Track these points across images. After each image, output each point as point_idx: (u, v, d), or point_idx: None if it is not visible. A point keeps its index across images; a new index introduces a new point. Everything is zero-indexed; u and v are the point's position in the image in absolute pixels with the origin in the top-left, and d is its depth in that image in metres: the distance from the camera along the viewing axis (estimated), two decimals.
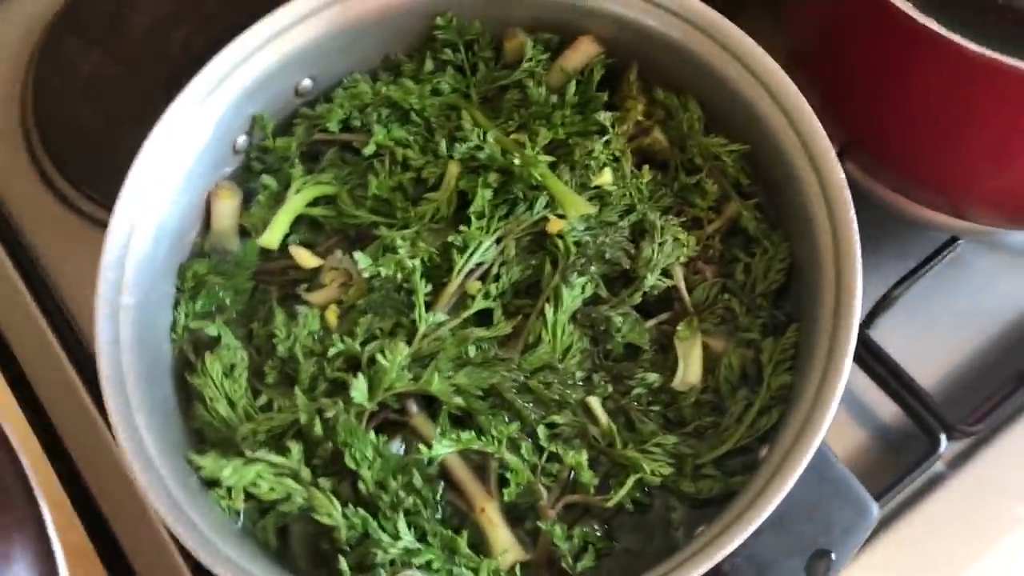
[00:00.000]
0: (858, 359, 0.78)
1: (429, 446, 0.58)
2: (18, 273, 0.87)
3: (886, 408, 0.82)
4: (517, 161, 0.62)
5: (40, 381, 0.83)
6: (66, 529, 0.80)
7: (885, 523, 0.76)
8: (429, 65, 0.70)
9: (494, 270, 0.62)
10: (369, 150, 0.66)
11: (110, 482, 0.77)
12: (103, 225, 0.88)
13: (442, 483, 0.59)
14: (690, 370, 0.60)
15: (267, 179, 0.67)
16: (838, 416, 0.79)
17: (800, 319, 0.62)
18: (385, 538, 0.55)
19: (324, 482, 0.58)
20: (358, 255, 0.62)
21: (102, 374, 0.55)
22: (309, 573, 0.58)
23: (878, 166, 0.82)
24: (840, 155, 0.82)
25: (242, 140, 0.68)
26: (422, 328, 0.60)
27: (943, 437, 0.78)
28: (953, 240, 0.85)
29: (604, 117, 0.64)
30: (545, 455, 0.58)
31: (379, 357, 0.57)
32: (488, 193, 0.62)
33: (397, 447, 0.60)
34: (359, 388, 0.57)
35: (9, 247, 0.88)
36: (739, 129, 0.65)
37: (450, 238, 0.61)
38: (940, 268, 0.86)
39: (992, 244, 0.89)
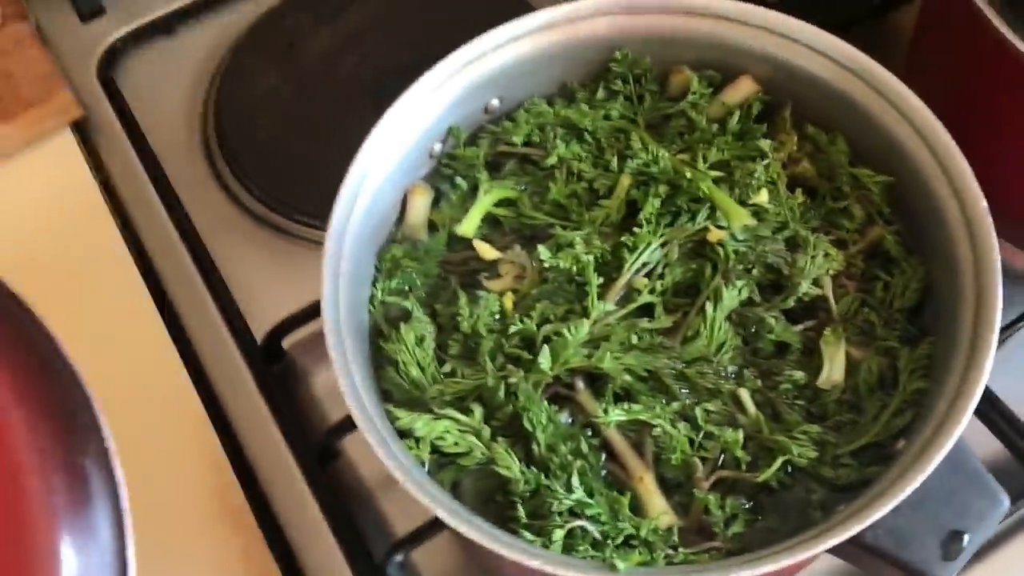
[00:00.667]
0: None
1: (593, 420, 0.65)
2: (198, 271, 0.97)
3: (983, 448, 0.87)
4: (688, 175, 0.70)
5: (212, 366, 0.92)
6: (226, 489, 0.89)
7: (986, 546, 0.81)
8: (601, 93, 0.79)
9: (658, 270, 0.70)
10: (551, 160, 0.75)
11: (270, 465, 0.86)
12: (273, 227, 0.99)
13: (604, 454, 0.66)
14: (835, 370, 0.67)
15: (460, 181, 0.76)
16: None
17: (933, 334, 0.68)
18: (560, 490, 0.62)
19: (501, 441, 0.65)
20: (540, 247, 0.70)
21: (326, 326, 0.64)
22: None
23: (996, 212, 0.88)
24: None
25: (437, 147, 0.77)
26: (594, 314, 0.68)
27: None
28: None
29: (765, 144, 0.72)
30: (701, 433, 0.65)
31: (564, 331, 0.65)
32: (657, 202, 0.71)
33: (565, 419, 0.67)
34: (545, 355, 0.64)
35: (191, 249, 0.97)
36: (883, 162, 0.72)
37: (623, 238, 0.70)
38: None
39: None
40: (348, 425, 0.81)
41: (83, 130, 1.08)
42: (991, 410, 0.86)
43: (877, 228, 0.72)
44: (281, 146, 1.06)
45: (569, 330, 0.65)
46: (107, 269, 0.98)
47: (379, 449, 0.60)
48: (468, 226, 0.73)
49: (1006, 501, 0.60)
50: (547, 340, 0.67)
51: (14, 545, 0.48)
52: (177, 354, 0.94)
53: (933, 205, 0.68)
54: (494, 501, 0.66)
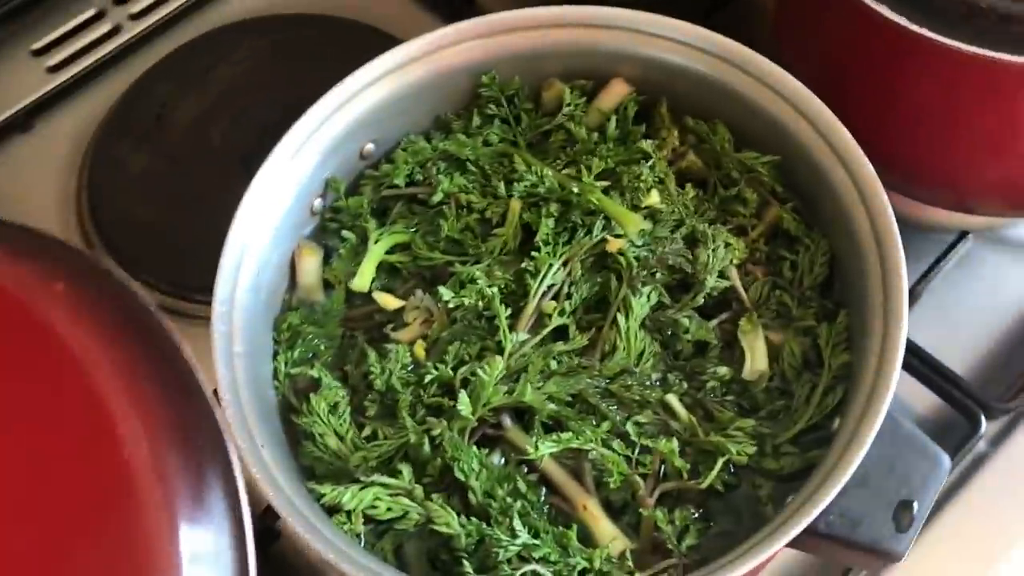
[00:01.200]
0: None
1: (526, 455, 0.63)
2: None
3: (919, 400, 0.88)
4: (576, 190, 0.68)
5: None
6: None
7: (936, 506, 0.81)
8: (477, 120, 0.77)
9: (565, 290, 0.68)
10: (437, 197, 0.72)
11: None
12: (169, 311, 0.94)
13: (543, 488, 0.64)
14: (757, 360, 0.66)
15: (347, 234, 0.73)
16: None
17: (847, 304, 0.68)
18: (504, 537, 0.59)
19: (436, 498, 0.63)
20: (441, 289, 0.68)
21: (227, 412, 0.60)
22: None
23: (884, 170, 0.89)
24: None
25: (318, 203, 0.74)
26: (508, 347, 0.65)
27: (983, 417, 0.83)
28: (963, 235, 0.92)
29: (647, 144, 0.71)
30: (637, 449, 0.63)
31: (479, 372, 0.62)
32: (551, 222, 0.69)
33: (497, 460, 0.65)
34: (464, 401, 0.62)
35: None
36: (768, 143, 0.72)
37: (523, 264, 0.68)
38: (951, 268, 0.93)
39: (996, 241, 0.96)
40: None
41: None
42: (920, 363, 0.86)
43: (773, 209, 0.71)
44: (163, 226, 1.01)
45: (483, 370, 0.63)
46: None
47: (305, 534, 0.56)
48: (362, 280, 0.70)
49: (946, 461, 0.60)
50: (466, 383, 0.65)
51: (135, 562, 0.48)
52: None
53: (822, 177, 0.68)
54: (440, 559, 0.63)
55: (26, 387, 0.52)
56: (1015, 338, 0.91)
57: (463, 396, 0.62)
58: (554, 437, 0.62)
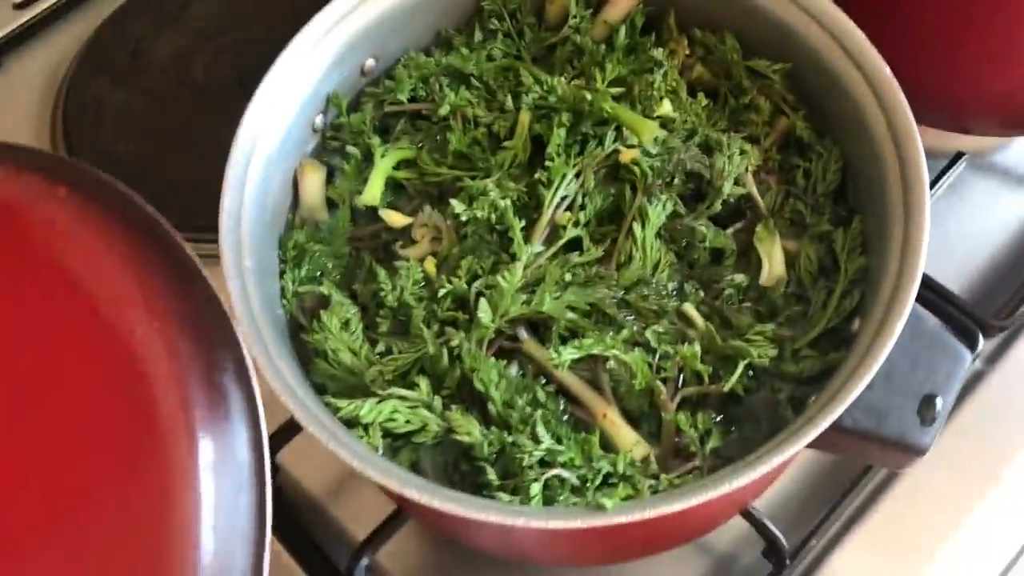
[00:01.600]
0: None
1: (543, 368, 0.62)
2: None
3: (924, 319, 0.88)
4: (588, 98, 0.67)
5: None
6: None
7: None
8: (479, 35, 0.75)
9: (579, 201, 0.67)
10: (443, 111, 0.71)
11: None
12: None
13: (562, 399, 0.63)
14: (775, 265, 0.65)
15: (351, 150, 0.71)
16: None
17: (861, 211, 0.67)
18: (528, 443, 0.58)
19: (455, 409, 0.61)
20: (453, 202, 0.66)
21: (241, 328, 0.58)
22: None
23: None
24: None
25: (319, 120, 0.72)
26: (523, 259, 0.64)
27: (980, 335, 0.83)
28: (958, 156, 0.92)
29: (658, 53, 0.70)
30: (657, 355, 0.62)
31: (499, 279, 0.61)
32: (563, 132, 0.67)
33: (515, 372, 0.64)
34: (485, 309, 0.61)
35: None
36: (777, 51, 0.71)
37: (536, 175, 0.66)
38: (942, 193, 0.93)
39: (985, 167, 0.97)
40: (284, 433, 0.76)
41: None
42: (921, 286, 0.86)
43: (785, 118, 0.70)
44: (145, 162, 0.98)
45: (503, 277, 0.61)
46: None
47: (330, 442, 0.55)
48: (370, 195, 0.68)
49: (968, 355, 0.60)
50: (480, 295, 0.63)
51: (153, 466, 0.47)
52: None
53: (836, 81, 0.67)
54: (459, 472, 0.62)
55: (36, 287, 0.51)
56: (1007, 257, 0.92)
57: (484, 304, 0.61)
58: (575, 343, 0.61)
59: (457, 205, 0.66)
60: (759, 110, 0.70)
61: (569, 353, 0.61)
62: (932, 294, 0.86)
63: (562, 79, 0.69)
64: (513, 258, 0.65)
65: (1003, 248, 0.94)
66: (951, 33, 0.77)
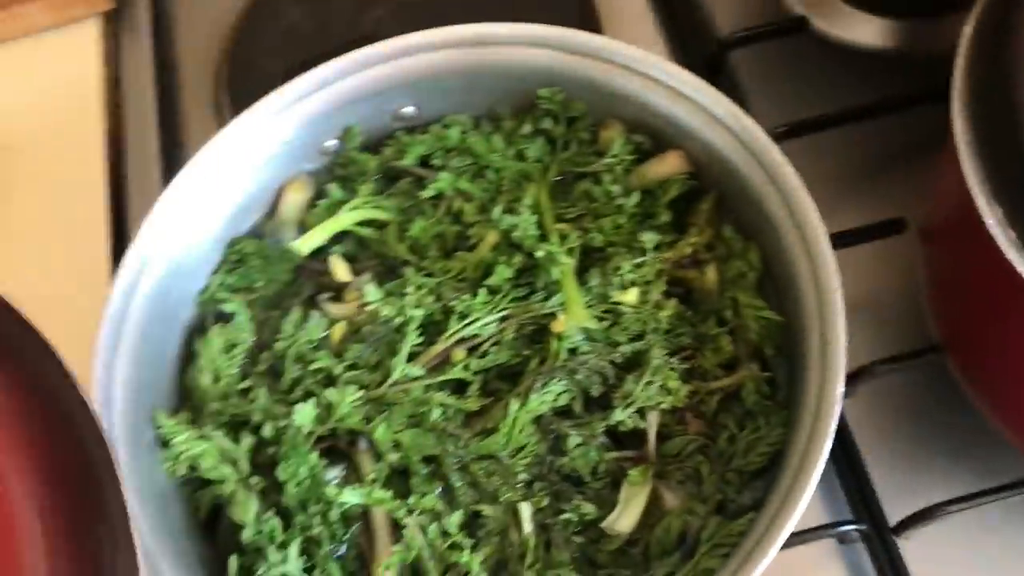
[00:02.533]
0: (876, 562, 0.73)
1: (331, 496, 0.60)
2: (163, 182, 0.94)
3: None
4: (539, 253, 0.62)
5: None
6: None
7: None
8: (527, 128, 0.70)
9: (486, 346, 0.63)
10: (428, 193, 0.68)
11: None
12: None
13: (359, 524, 0.61)
14: (625, 516, 0.58)
15: (333, 188, 0.70)
16: None
17: (759, 509, 0.58)
18: (274, 557, 0.57)
19: (259, 481, 0.61)
20: (369, 287, 0.64)
21: (106, 312, 0.61)
22: (217, 556, 0.62)
23: (972, 381, 0.75)
24: (938, 349, 0.76)
25: (332, 143, 0.72)
26: (395, 375, 0.62)
27: None
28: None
29: (648, 238, 0.63)
30: (449, 543, 0.58)
31: (327, 393, 0.59)
32: (508, 272, 0.63)
33: (335, 475, 0.62)
34: (304, 414, 0.59)
35: (168, 165, 0.94)
36: (784, 298, 0.61)
37: (453, 303, 0.63)
38: (1015, 506, 0.78)
39: None
40: None
41: (114, 25, 1.08)
42: None
43: (743, 371, 0.61)
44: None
45: (333, 393, 0.59)
46: (78, 170, 0.99)
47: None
48: (305, 242, 0.68)
49: None
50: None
51: None
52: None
53: (803, 361, 0.58)
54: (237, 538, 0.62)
55: None
56: None
57: (308, 406, 0.60)
58: (367, 489, 0.58)
59: (372, 292, 0.64)
60: (719, 351, 0.61)
61: (352, 496, 0.58)
62: None
63: (542, 218, 0.64)
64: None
65: None
66: None
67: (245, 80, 1.02)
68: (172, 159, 0.96)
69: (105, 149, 1.00)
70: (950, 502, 0.74)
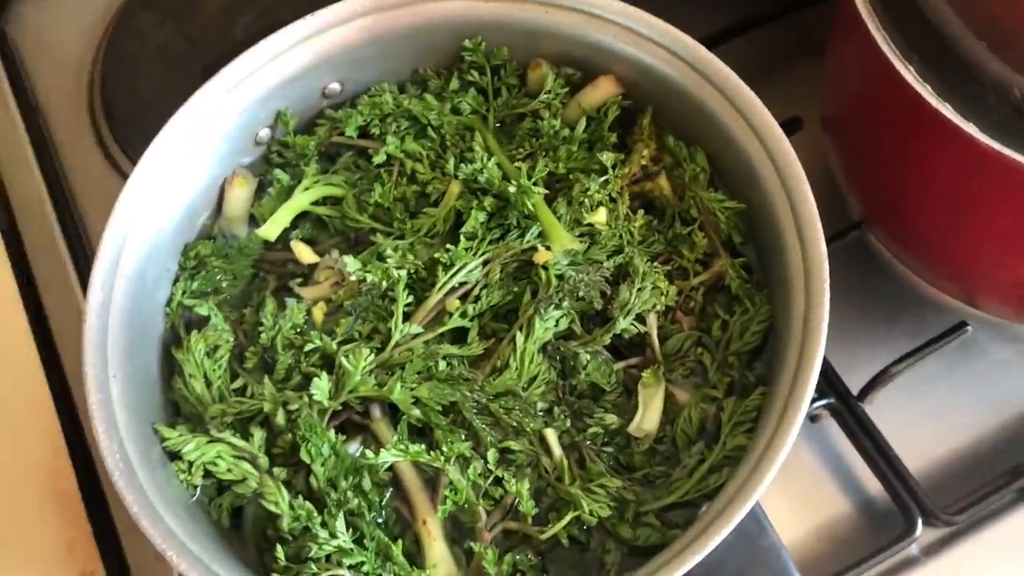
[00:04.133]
0: (848, 430, 0.78)
1: (379, 453, 0.60)
2: (63, 236, 0.90)
3: (873, 483, 0.81)
4: (512, 189, 0.63)
5: (62, 337, 0.86)
6: (59, 475, 0.85)
7: None
8: (455, 84, 0.72)
9: (476, 291, 0.64)
10: (379, 159, 0.68)
11: None
12: None
13: (391, 489, 0.61)
14: (648, 417, 0.61)
15: (280, 173, 0.69)
16: (823, 480, 0.80)
17: (769, 383, 0.62)
18: (322, 534, 0.57)
19: (280, 471, 0.60)
20: (347, 258, 0.64)
21: (85, 336, 0.58)
22: (256, 556, 0.60)
23: (894, 242, 0.81)
24: (860, 225, 0.82)
25: (264, 133, 0.71)
26: (396, 336, 0.62)
27: (920, 522, 0.77)
28: (962, 325, 0.83)
29: (606, 158, 0.65)
30: (491, 479, 0.59)
31: (343, 360, 0.59)
32: (482, 216, 0.64)
33: (355, 448, 0.62)
34: (320, 387, 0.59)
35: (60, 211, 0.91)
36: (740, 187, 0.65)
37: (437, 255, 0.63)
38: (950, 352, 0.85)
39: (1009, 335, 0.87)
40: None
41: None
42: (873, 447, 0.79)
43: (721, 260, 0.65)
44: (166, 107, 0.99)
45: (348, 359, 0.59)
46: None
47: (117, 478, 0.55)
48: (272, 227, 0.67)
49: None
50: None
51: None
52: (27, 321, 0.89)
53: (779, 238, 0.61)
54: (268, 534, 0.61)
55: None
56: (988, 448, 0.83)
57: (321, 380, 0.59)
58: (402, 446, 0.58)
59: (351, 263, 0.64)
60: (695, 246, 0.64)
61: (391, 455, 0.58)
62: (884, 462, 0.79)
63: (502, 159, 0.66)
64: (390, 332, 0.62)
65: (990, 432, 0.85)
66: (956, 214, 0.69)
67: (122, 107, 0.99)
68: (60, 202, 0.93)
69: None
70: (897, 362, 0.80)
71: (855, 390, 0.79)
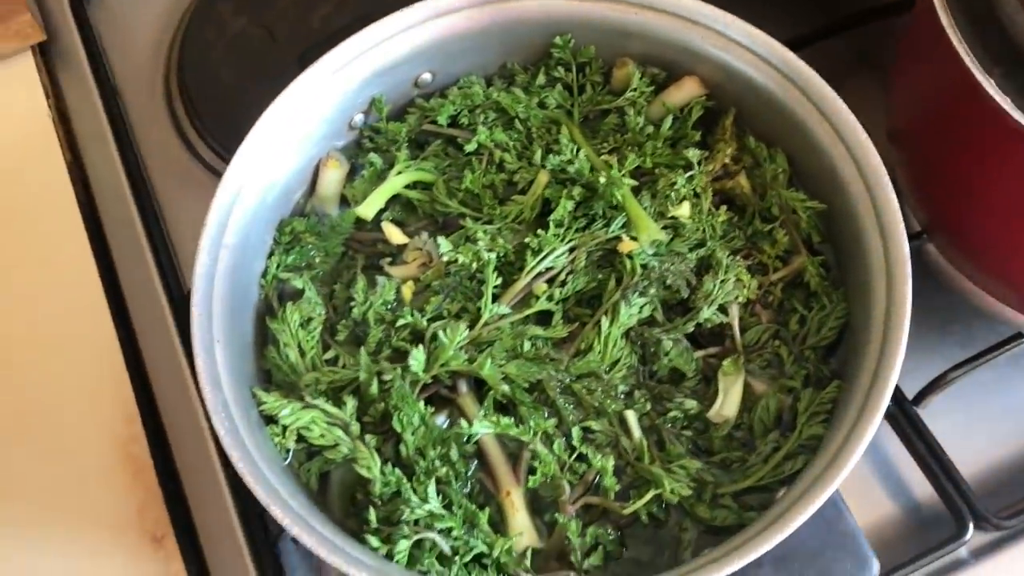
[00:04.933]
0: (902, 434, 0.80)
1: (471, 424, 0.62)
2: (139, 215, 0.93)
3: (924, 486, 0.83)
4: (602, 179, 0.66)
5: (137, 311, 0.89)
6: (132, 441, 0.87)
7: None
8: (541, 79, 0.74)
9: (562, 276, 0.66)
10: (470, 147, 0.71)
11: (180, 413, 0.83)
12: (219, 175, 0.95)
13: (476, 462, 0.63)
14: (728, 404, 0.63)
15: (374, 157, 0.72)
16: (873, 482, 0.82)
17: (844, 377, 0.64)
18: (414, 499, 0.59)
19: (370, 439, 0.63)
20: (441, 240, 0.67)
21: (194, 300, 0.61)
22: (340, 519, 0.63)
23: (956, 252, 0.83)
24: (922, 234, 0.84)
25: (358, 118, 0.73)
26: (485, 316, 0.64)
27: (971, 525, 0.78)
28: (1018, 335, 0.85)
29: (692, 154, 0.68)
30: (575, 455, 0.62)
31: (440, 334, 0.62)
32: (570, 204, 0.67)
33: (442, 420, 0.64)
34: (417, 358, 0.61)
35: (136, 191, 0.93)
36: (821, 189, 0.67)
37: (527, 240, 0.66)
38: (1004, 362, 0.87)
39: None
40: None
41: (47, 56, 1.05)
42: (925, 450, 0.81)
43: (800, 257, 0.67)
44: (242, 94, 1.02)
45: (445, 333, 0.62)
46: (47, 200, 0.96)
47: (224, 436, 0.57)
48: (368, 208, 0.70)
49: (875, 568, 0.56)
50: (435, 338, 0.64)
51: None
52: (103, 295, 0.92)
53: (860, 240, 0.64)
54: (356, 498, 0.63)
55: None
56: None
57: (418, 352, 0.62)
58: (493, 419, 0.61)
59: (444, 244, 0.67)
60: (775, 242, 0.67)
61: (482, 427, 0.61)
62: (936, 464, 0.81)
63: (589, 150, 0.68)
64: (479, 311, 0.65)
65: None
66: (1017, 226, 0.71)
67: (199, 92, 1.02)
68: (136, 181, 0.95)
69: (71, 182, 0.98)
70: (954, 368, 0.82)
71: (910, 395, 0.81)
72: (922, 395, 0.82)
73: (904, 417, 0.81)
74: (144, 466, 0.85)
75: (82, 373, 0.89)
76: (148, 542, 0.82)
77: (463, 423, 0.61)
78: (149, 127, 1.02)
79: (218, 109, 1.01)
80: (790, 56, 0.66)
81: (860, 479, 0.81)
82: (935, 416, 0.82)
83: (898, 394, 0.81)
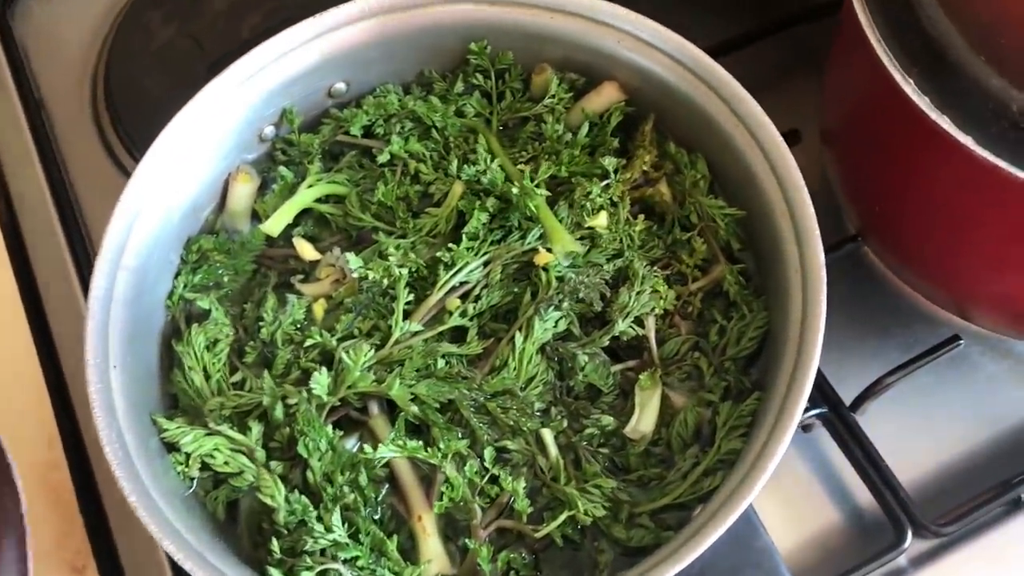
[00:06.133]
0: (840, 441, 0.78)
1: (376, 448, 0.60)
2: (63, 232, 0.90)
3: (864, 493, 0.82)
4: (515, 190, 0.64)
5: (60, 330, 0.86)
6: (53, 467, 0.84)
7: None
8: (459, 87, 0.72)
9: (476, 291, 0.64)
10: (383, 158, 0.69)
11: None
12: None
13: (387, 485, 0.61)
14: (644, 419, 0.61)
15: (284, 170, 0.70)
16: (814, 491, 0.80)
17: (764, 388, 0.62)
18: (318, 528, 0.57)
19: (276, 465, 0.61)
20: (350, 256, 0.65)
21: (88, 325, 0.59)
22: (250, 551, 0.60)
23: (889, 255, 0.82)
24: (856, 238, 0.83)
25: (269, 130, 0.71)
26: (396, 334, 0.62)
27: (909, 533, 0.77)
28: (955, 338, 0.84)
29: (608, 162, 0.66)
30: (487, 477, 0.60)
31: (344, 355, 0.60)
32: (484, 216, 0.65)
33: (352, 444, 0.62)
34: (320, 382, 0.59)
35: (60, 206, 0.91)
36: (740, 194, 0.66)
37: (439, 254, 0.64)
38: (943, 366, 0.85)
39: (1002, 350, 0.88)
40: None
41: None
42: (863, 457, 0.80)
43: (720, 266, 0.65)
44: (169, 105, 1.00)
45: (348, 354, 0.60)
46: None
47: (115, 467, 0.55)
48: (275, 224, 0.67)
49: None
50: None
51: None
52: (24, 313, 0.89)
53: (778, 246, 0.62)
54: (262, 527, 0.61)
55: None
56: (978, 462, 0.84)
57: (320, 375, 0.60)
58: (400, 442, 0.59)
59: (353, 260, 0.64)
60: (693, 251, 0.65)
61: (388, 451, 0.59)
62: (874, 472, 0.79)
63: (504, 161, 0.66)
64: (390, 329, 0.63)
65: (981, 446, 0.86)
66: (951, 226, 0.70)
67: (125, 103, 1.00)
68: (60, 195, 0.93)
69: None
70: (890, 373, 0.81)
71: (848, 400, 0.80)
72: (859, 401, 0.81)
73: (842, 424, 0.80)
74: (65, 492, 0.83)
75: (1, 395, 0.86)
76: (67, 573, 0.80)
77: (367, 448, 0.59)
78: (75, 140, 0.99)
79: (144, 121, 0.98)
80: (701, 56, 0.65)
81: (800, 486, 0.80)
82: (874, 422, 0.81)
83: (836, 400, 0.79)
